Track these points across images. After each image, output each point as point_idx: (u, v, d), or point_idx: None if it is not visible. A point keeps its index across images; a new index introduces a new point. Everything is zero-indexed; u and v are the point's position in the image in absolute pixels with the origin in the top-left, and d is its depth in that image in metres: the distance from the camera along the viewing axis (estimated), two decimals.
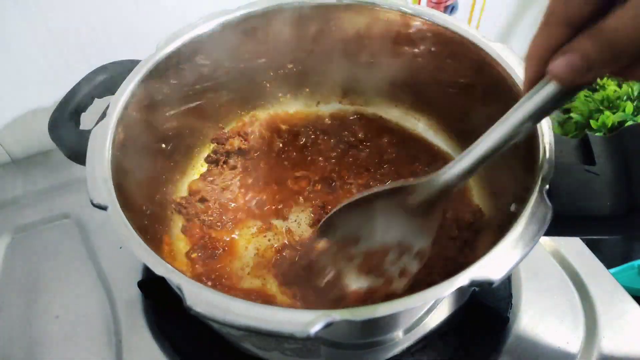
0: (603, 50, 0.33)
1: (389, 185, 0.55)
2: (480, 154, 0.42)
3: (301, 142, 0.74)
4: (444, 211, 0.62)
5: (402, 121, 0.76)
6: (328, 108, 0.79)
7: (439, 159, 0.71)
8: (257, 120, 0.74)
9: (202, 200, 0.66)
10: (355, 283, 0.53)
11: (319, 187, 0.69)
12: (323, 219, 0.56)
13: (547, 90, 0.37)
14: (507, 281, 0.65)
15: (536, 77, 0.37)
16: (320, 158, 0.73)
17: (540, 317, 0.63)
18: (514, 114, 0.39)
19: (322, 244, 0.56)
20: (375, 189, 0.51)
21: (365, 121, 0.77)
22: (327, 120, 0.76)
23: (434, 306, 0.52)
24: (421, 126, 0.75)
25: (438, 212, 0.49)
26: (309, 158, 0.73)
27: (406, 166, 0.71)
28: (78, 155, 0.53)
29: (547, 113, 0.39)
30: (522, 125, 0.39)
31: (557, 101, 0.37)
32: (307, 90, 0.77)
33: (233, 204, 0.67)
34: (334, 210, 0.54)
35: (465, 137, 0.70)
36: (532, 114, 0.38)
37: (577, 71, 0.34)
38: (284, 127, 0.75)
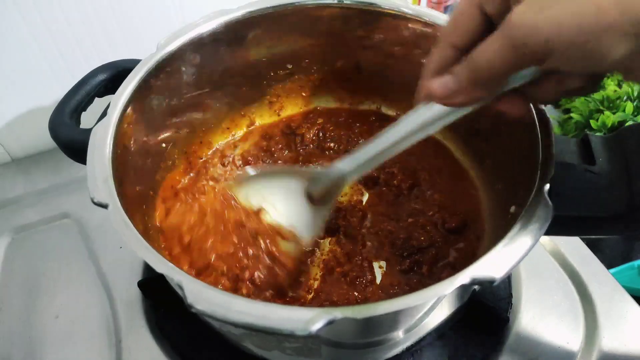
0: (470, 75, 0.35)
1: (295, 167, 0.64)
2: (374, 152, 0.47)
3: (301, 140, 0.74)
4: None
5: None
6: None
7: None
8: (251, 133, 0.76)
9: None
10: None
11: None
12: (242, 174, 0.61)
13: (434, 108, 0.41)
14: (507, 281, 0.65)
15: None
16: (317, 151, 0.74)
17: (540, 317, 0.63)
18: (404, 123, 0.44)
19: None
20: (282, 167, 0.61)
21: (364, 118, 0.77)
22: (326, 121, 0.77)
23: (434, 305, 0.52)
24: None
25: (330, 205, 0.55)
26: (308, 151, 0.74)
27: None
28: (78, 154, 0.53)
29: (434, 127, 0.43)
30: (410, 135, 0.44)
31: (439, 119, 0.41)
32: (306, 90, 0.77)
33: None
34: (254, 172, 0.59)
35: (463, 135, 0.70)
36: (419, 127, 0.43)
37: (449, 91, 0.37)
38: (282, 127, 0.76)
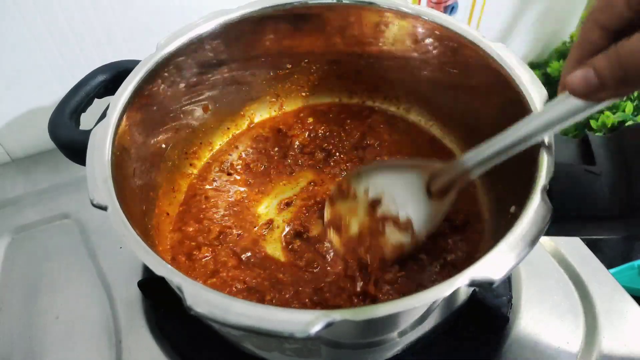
0: (614, 71, 0.32)
1: (417, 160, 0.62)
2: (501, 146, 0.46)
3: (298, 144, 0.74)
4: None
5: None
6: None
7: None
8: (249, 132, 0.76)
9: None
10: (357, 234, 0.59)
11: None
12: (356, 170, 0.63)
13: (570, 102, 0.38)
14: (507, 281, 0.65)
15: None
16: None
17: (540, 317, 0.63)
18: (540, 117, 0.42)
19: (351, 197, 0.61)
20: (404, 160, 0.61)
21: (364, 117, 0.77)
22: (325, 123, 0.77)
23: (434, 306, 0.52)
24: (421, 123, 0.75)
25: (450, 199, 0.53)
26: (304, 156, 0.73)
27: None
28: (78, 155, 0.53)
29: (568, 122, 0.40)
30: (543, 129, 0.42)
31: (576, 113, 0.38)
32: (306, 90, 0.77)
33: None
34: (367, 166, 0.61)
35: (463, 135, 0.70)
36: (553, 122, 0.41)
37: (590, 87, 0.34)
38: (281, 127, 0.76)
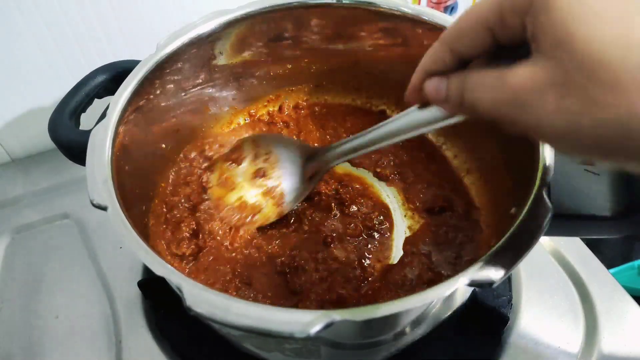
0: (457, 97, 0.35)
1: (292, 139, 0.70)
2: (357, 143, 0.53)
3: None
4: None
5: None
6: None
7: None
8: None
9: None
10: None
11: None
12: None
13: (423, 112, 0.42)
14: (507, 281, 0.65)
15: (417, 86, 0.40)
16: None
17: (540, 317, 0.63)
18: (396, 122, 0.47)
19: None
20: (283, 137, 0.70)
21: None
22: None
23: (434, 306, 0.52)
24: None
25: (314, 184, 0.60)
26: None
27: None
28: (78, 156, 0.53)
29: (421, 129, 0.44)
30: (397, 133, 0.47)
31: (429, 123, 0.43)
32: (306, 90, 0.77)
33: None
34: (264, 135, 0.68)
35: (463, 135, 0.70)
36: (406, 127, 0.46)
37: (438, 96, 0.37)
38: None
